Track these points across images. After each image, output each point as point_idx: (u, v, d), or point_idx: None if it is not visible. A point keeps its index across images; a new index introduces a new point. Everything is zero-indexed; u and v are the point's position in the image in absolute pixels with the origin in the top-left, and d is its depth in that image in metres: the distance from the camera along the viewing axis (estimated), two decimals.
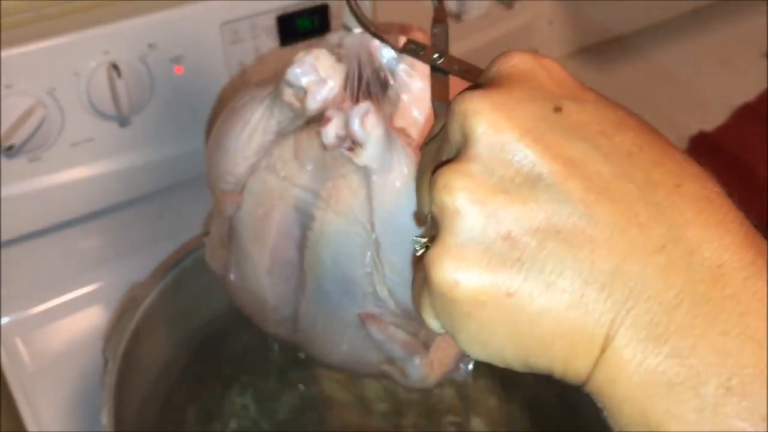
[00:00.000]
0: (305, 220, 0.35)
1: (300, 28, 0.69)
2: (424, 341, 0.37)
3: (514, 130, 0.24)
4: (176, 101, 0.65)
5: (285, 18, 0.67)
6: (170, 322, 0.53)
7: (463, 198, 0.23)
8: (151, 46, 0.61)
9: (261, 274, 0.37)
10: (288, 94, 0.34)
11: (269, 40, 0.68)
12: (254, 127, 0.36)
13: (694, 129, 0.93)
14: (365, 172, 0.33)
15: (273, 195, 0.35)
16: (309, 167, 0.34)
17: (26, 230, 0.66)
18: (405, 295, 0.32)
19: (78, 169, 0.64)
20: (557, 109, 0.25)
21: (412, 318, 0.35)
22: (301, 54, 0.36)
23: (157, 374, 0.57)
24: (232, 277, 0.39)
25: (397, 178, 0.32)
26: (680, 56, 1.08)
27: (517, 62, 0.27)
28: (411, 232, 0.28)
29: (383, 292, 0.34)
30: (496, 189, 0.23)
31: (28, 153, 0.60)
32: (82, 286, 0.71)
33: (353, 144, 0.31)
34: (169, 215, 0.71)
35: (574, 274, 0.22)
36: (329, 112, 0.32)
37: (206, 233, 0.41)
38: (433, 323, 0.25)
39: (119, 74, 0.59)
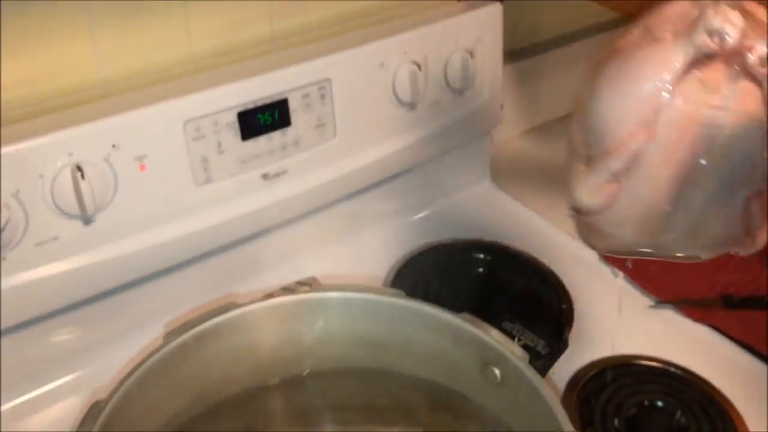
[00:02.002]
0: (714, 131, 0.45)
1: (261, 122, 0.72)
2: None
3: None
4: (140, 198, 0.67)
5: (245, 114, 0.70)
6: (134, 425, 0.53)
7: None
8: (115, 146, 0.63)
9: (665, 188, 0.47)
10: (704, 38, 0.44)
11: (231, 135, 0.70)
12: (660, 71, 0.45)
13: None
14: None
15: (686, 120, 0.45)
16: (717, 93, 0.44)
17: None
18: None
19: (43, 268, 0.65)
20: None
21: None
22: (709, 9, 0.44)
23: None
24: (618, 206, 0.49)
25: None
26: None
27: None
28: None
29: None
30: None
31: None
32: (53, 380, 0.71)
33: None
34: (132, 310, 0.72)
35: None
36: (749, 42, 0.43)
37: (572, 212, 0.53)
38: None
39: (83, 175, 0.61)
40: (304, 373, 0.56)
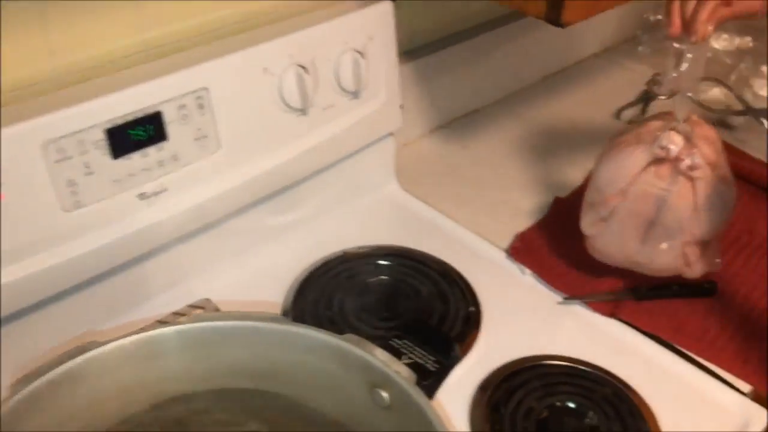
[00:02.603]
0: (660, 202, 0.73)
1: (134, 138, 0.67)
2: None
3: None
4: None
5: (115, 130, 0.65)
6: None
7: None
8: None
9: (629, 230, 0.76)
10: (658, 150, 0.73)
11: (100, 154, 0.65)
12: (634, 162, 0.74)
13: (554, 193, 0.96)
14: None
15: (644, 194, 0.74)
16: (664, 181, 0.73)
17: None
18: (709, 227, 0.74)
19: None
20: None
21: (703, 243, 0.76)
22: (663, 132, 0.73)
23: None
24: (599, 238, 0.79)
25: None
26: (534, 124, 1.13)
27: None
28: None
29: (696, 228, 0.74)
30: None
31: None
32: None
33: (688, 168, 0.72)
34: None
35: None
36: (684, 156, 0.72)
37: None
38: None
39: None
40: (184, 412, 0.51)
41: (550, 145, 1.08)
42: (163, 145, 0.69)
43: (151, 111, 0.67)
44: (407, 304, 0.79)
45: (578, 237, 0.86)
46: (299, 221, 0.87)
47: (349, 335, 0.48)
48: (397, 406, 0.46)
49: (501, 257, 0.86)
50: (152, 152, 0.68)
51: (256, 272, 0.82)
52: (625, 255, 0.79)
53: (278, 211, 0.84)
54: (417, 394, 0.44)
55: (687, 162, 0.71)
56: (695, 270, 0.78)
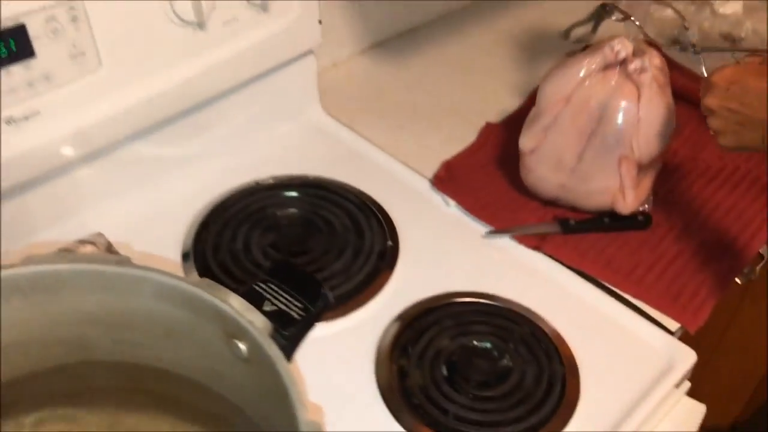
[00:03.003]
0: (602, 109, 0.70)
1: None
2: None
3: None
4: None
5: None
6: None
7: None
8: None
9: (569, 141, 0.72)
10: (608, 52, 0.70)
11: None
12: (580, 68, 0.71)
13: (490, 116, 0.90)
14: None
15: (586, 98, 0.71)
16: (609, 86, 0.70)
17: None
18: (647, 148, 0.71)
19: None
20: None
21: (641, 167, 0.72)
22: (618, 38, 0.71)
23: None
24: (535, 156, 0.75)
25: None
26: (477, 45, 1.05)
27: None
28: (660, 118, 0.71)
29: (636, 144, 0.70)
30: None
31: None
32: None
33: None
34: None
35: None
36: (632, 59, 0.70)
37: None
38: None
39: None
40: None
41: (493, 67, 1.01)
42: (31, 63, 0.61)
43: (11, 24, 0.59)
44: (319, 239, 0.73)
45: (508, 165, 0.81)
46: (207, 149, 0.80)
47: (203, 280, 0.43)
48: (254, 359, 0.41)
49: (426, 188, 0.80)
50: (18, 71, 0.60)
51: (158, 205, 0.75)
52: (559, 180, 0.74)
53: (182, 137, 0.77)
54: (269, 346, 0.39)
55: (636, 64, 0.69)
56: (628, 200, 0.73)
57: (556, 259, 0.73)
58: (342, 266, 0.70)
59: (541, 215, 0.77)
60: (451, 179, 0.80)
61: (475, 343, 0.65)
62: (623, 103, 0.69)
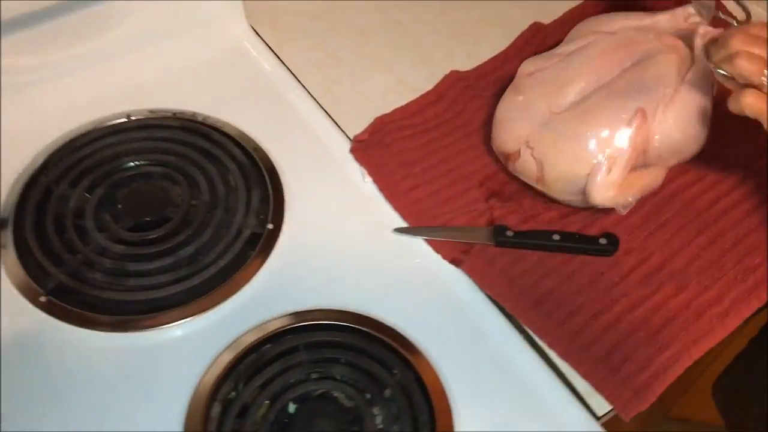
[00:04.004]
0: (647, 56, 0.60)
1: None
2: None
3: None
4: None
5: None
6: None
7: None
8: None
9: (586, 70, 0.60)
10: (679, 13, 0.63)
11: None
12: (643, 16, 0.65)
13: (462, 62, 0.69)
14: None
15: (640, 42, 0.62)
16: (666, 41, 0.61)
17: None
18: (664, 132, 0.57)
19: None
20: None
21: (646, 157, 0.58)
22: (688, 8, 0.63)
23: None
24: (532, 76, 0.61)
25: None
26: None
27: None
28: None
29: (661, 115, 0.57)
30: None
31: None
32: None
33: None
34: None
35: None
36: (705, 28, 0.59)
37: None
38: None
39: None
40: None
41: None
42: None
43: None
44: (177, 209, 0.57)
45: (461, 130, 0.64)
46: (80, 60, 0.63)
47: None
48: None
49: (346, 152, 0.62)
50: None
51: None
52: (540, 117, 0.58)
53: (51, 40, 0.60)
54: None
55: (706, 29, 0.58)
56: (611, 176, 0.55)
57: (476, 283, 0.55)
58: (193, 250, 0.54)
59: (478, 213, 0.58)
60: (376, 144, 0.61)
61: (325, 390, 0.49)
62: (674, 62, 0.58)
